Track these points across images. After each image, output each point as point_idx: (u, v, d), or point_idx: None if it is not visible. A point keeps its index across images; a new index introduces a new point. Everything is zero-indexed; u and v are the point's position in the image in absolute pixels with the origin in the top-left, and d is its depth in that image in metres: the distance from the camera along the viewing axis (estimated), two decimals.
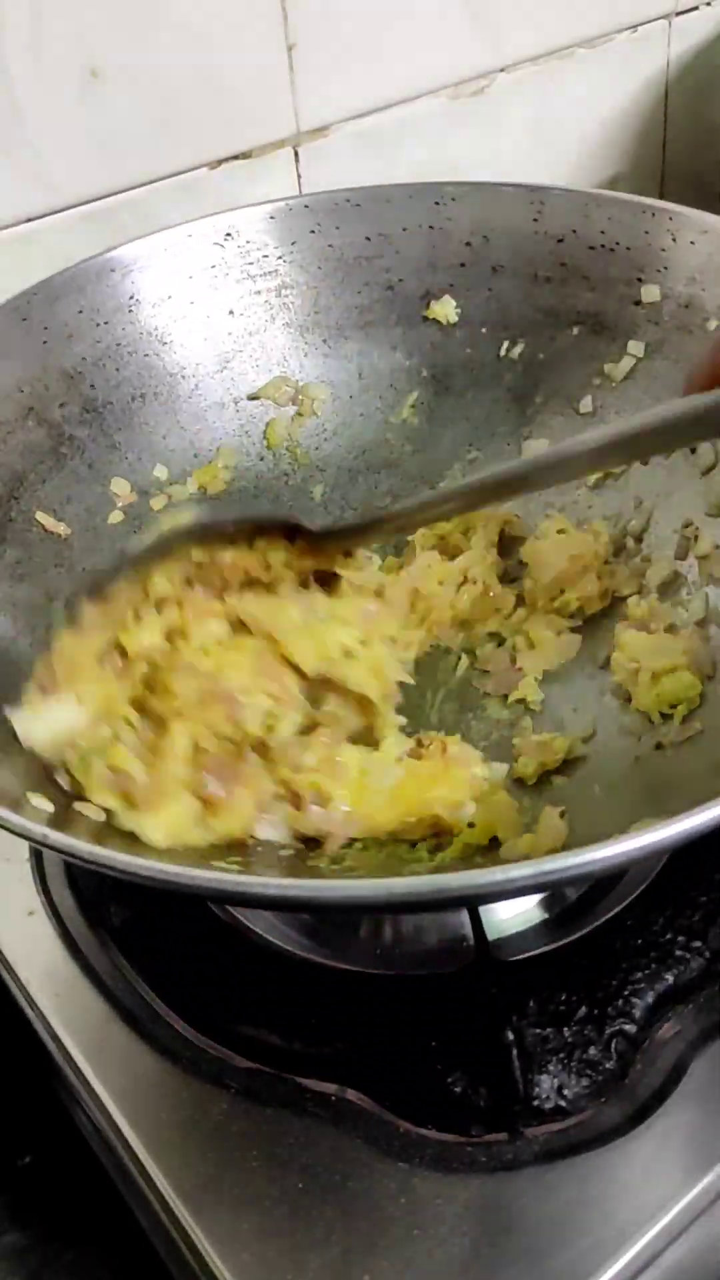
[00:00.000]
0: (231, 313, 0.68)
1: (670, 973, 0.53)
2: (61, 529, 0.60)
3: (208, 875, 0.38)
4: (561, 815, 0.50)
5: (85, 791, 0.47)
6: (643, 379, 0.64)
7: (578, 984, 0.53)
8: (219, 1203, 0.46)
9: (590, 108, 0.93)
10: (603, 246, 0.65)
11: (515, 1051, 0.51)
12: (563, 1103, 0.49)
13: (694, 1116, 0.48)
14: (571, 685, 0.59)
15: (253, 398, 0.68)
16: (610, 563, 0.61)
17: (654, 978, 0.53)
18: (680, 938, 0.54)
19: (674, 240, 0.62)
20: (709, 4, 0.95)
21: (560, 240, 0.66)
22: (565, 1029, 0.51)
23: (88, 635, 0.51)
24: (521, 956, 0.54)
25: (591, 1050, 0.51)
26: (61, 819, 0.44)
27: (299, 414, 0.69)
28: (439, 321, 0.69)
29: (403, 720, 0.57)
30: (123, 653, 0.51)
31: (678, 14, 0.93)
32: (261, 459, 0.69)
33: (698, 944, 0.54)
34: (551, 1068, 0.50)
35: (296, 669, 0.53)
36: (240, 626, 0.54)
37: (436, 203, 0.68)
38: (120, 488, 0.63)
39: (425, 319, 0.69)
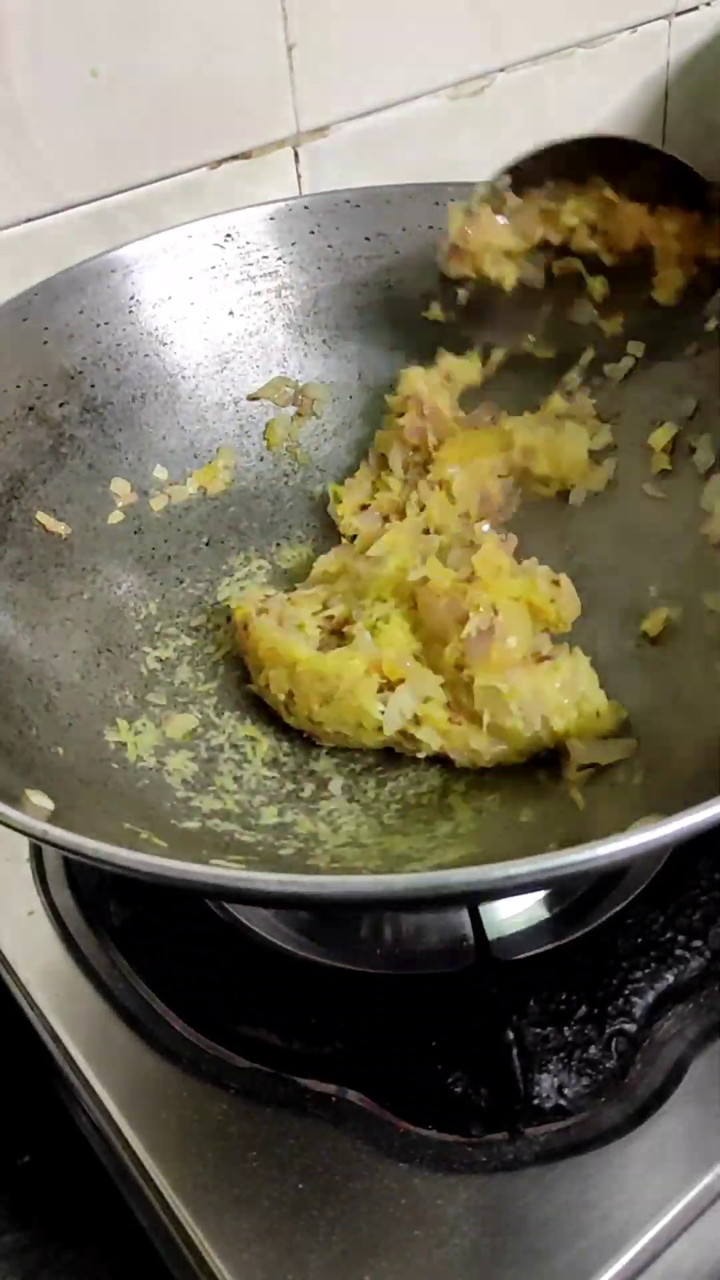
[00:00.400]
0: (231, 313, 0.68)
1: (670, 972, 0.53)
2: (62, 529, 0.60)
3: (208, 871, 0.38)
4: None
5: None
6: (642, 379, 0.64)
7: (578, 983, 0.53)
8: (219, 1203, 0.46)
9: (590, 108, 0.93)
10: None
11: (515, 1051, 0.51)
12: (563, 1102, 0.49)
13: (694, 1116, 0.48)
14: None
15: (252, 398, 0.68)
16: None
17: (654, 977, 0.53)
18: (680, 937, 0.54)
19: None
20: (709, 4, 0.95)
21: None
22: (565, 1028, 0.51)
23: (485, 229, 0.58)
24: (522, 956, 0.54)
25: (591, 1050, 0.51)
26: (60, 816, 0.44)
27: (299, 414, 0.69)
28: (439, 322, 0.69)
29: None
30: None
31: (678, 14, 0.93)
32: (261, 459, 0.69)
33: (698, 943, 0.54)
34: (552, 1067, 0.50)
35: None
36: None
37: (436, 203, 0.68)
38: (120, 488, 0.63)
39: (425, 319, 0.69)
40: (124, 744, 0.55)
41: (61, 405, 0.62)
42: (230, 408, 0.68)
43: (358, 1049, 0.51)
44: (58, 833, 0.39)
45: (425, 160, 0.83)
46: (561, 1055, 0.50)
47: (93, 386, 0.63)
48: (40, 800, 0.44)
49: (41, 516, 0.59)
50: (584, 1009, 0.52)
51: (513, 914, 0.56)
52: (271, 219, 0.68)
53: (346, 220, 0.69)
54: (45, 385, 0.61)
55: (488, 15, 0.81)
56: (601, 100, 0.93)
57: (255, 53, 0.72)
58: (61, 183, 0.69)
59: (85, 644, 0.58)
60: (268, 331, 0.69)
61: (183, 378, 0.67)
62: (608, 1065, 0.50)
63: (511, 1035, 0.51)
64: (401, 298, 0.69)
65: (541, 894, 0.56)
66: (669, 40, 0.94)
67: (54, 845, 0.39)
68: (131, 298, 0.65)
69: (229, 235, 0.67)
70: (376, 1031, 0.52)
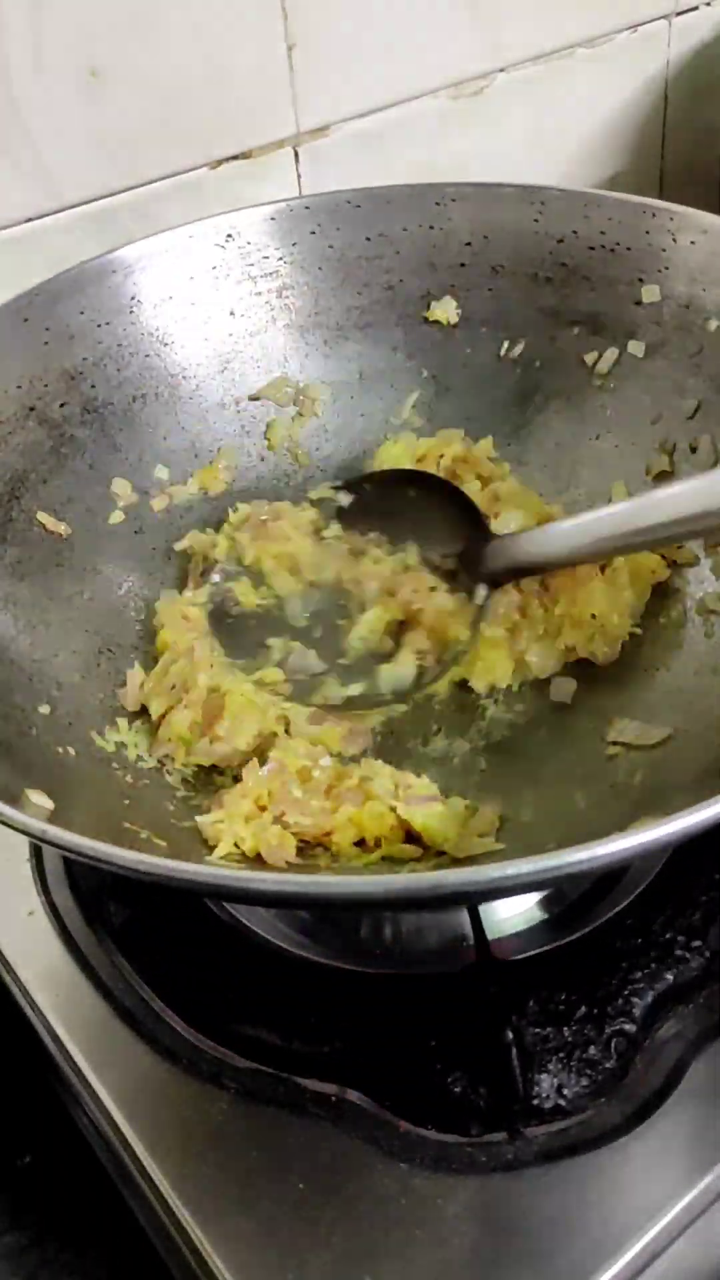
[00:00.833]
0: (232, 313, 0.68)
1: (670, 972, 0.53)
2: (62, 529, 0.60)
3: (207, 871, 0.38)
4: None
5: None
6: (643, 379, 0.64)
7: (578, 984, 0.53)
8: (219, 1203, 0.46)
9: (590, 108, 0.93)
10: (603, 247, 0.65)
11: (515, 1051, 0.50)
12: (562, 1102, 0.49)
13: (694, 1116, 0.48)
14: None
15: (253, 398, 0.68)
16: None
17: (654, 977, 0.53)
18: (680, 937, 0.54)
19: (674, 240, 0.62)
20: (709, 4, 0.95)
21: (561, 240, 0.66)
22: (565, 1029, 0.51)
23: None
24: (521, 956, 0.54)
25: (591, 1050, 0.51)
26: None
27: (300, 414, 0.69)
28: (440, 322, 0.69)
29: None
30: None
31: (678, 14, 0.93)
32: (262, 459, 0.69)
33: (698, 944, 0.54)
34: (551, 1067, 0.50)
35: None
36: None
37: (437, 203, 0.68)
38: (121, 488, 0.63)
39: (426, 319, 0.69)
40: (124, 744, 0.55)
41: (62, 405, 0.62)
42: (231, 408, 0.68)
43: (358, 1049, 0.51)
44: (57, 833, 0.39)
45: (425, 160, 0.83)
46: (561, 1055, 0.50)
47: (93, 387, 0.63)
48: (40, 800, 0.44)
49: (42, 516, 0.59)
50: (584, 1009, 0.52)
51: (513, 914, 0.56)
52: (272, 219, 0.68)
53: (347, 220, 0.69)
54: (46, 385, 0.61)
55: (488, 15, 0.81)
56: (601, 100, 0.93)
57: (255, 53, 0.72)
58: (61, 183, 0.69)
59: (85, 644, 0.58)
60: (269, 332, 0.69)
61: (184, 378, 0.67)
62: (607, 1065, 0.50)
63: (511, 1035, 0.51)
64: (402, 298, 0.69)
65: (541, 894, 0.56)
66: (669, 40, 0.94)
67: (54, 845, 0.39)
68: (132, 298, 0.65)
69: (230, 235, 0.67)
70: (376, 1031, 0.52)
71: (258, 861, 0.50)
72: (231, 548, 0.63)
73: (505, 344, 0.68)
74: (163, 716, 0.56)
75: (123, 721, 0.56)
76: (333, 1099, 0.49)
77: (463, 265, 0.68)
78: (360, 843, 0.51)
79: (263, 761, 0.53)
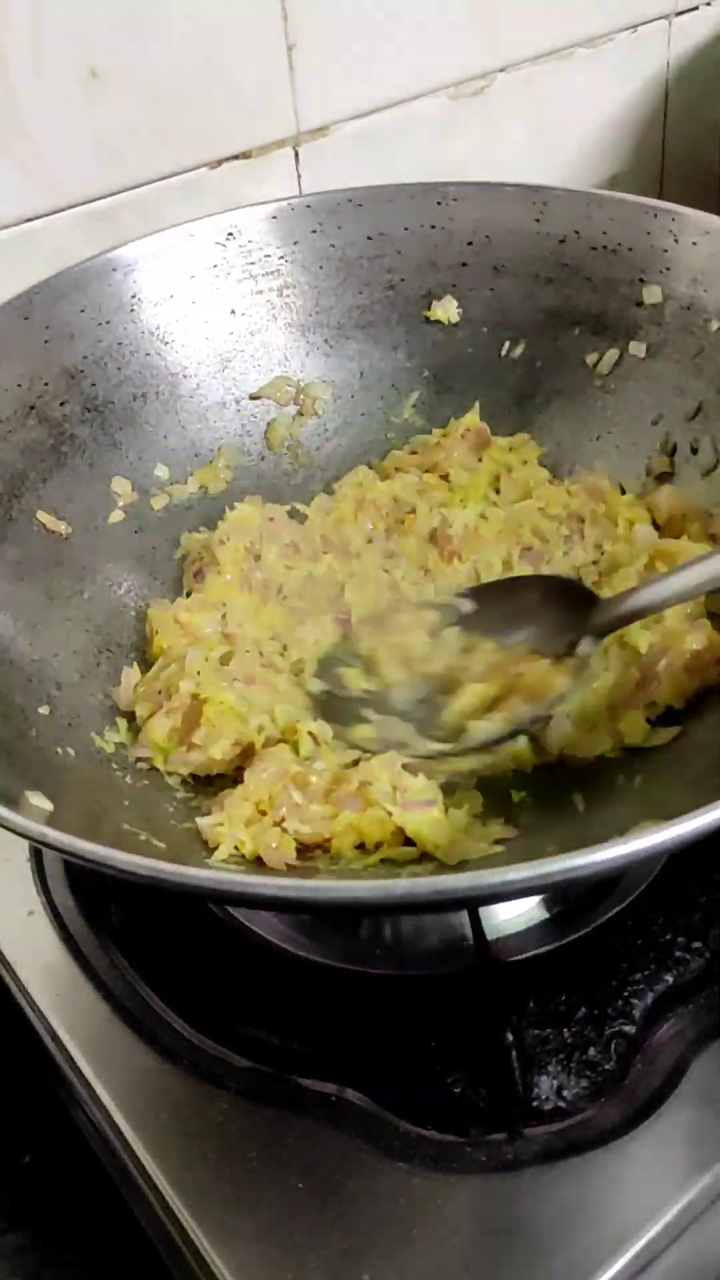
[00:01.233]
0: (233, 312, 0.68)
1: (670, 973, 0.53)
2: (62, 528, 0.60)
3: (207, 875, 0.38)
4: None
5: None
6: (644, 380, 0.64)
7: (578, 984, 0.53)
8: (219, 1203, 0.46)
9: (590, 108, 0.93)
10: (604, 247, 0.65)
11: (515, 1052, 0.51)
12: (562, 1103, 0.49)
13: (694, 1116, 0.48)
14: None
15: (254, 397, 0.68)
16: None
17: (654, 978, 0.53)
18: (680, 938, 0.54)
19: (676, 241, 0.62)
20: (709, 4, 0.95)
21: (562, 241, 0.66)
22: (565, 1029, 0.51)
23: None
24: (521, 957, 0.54)
25: (591, 1051, 0.51)
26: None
27: (300, 414, 0.69)
28: (441, 321, 0.69)
29: None
30: None
31: (678, 14, 0.93)
32: (263, 459, 0.69)
33: (698, 944, 0.54)
34: (551, 1068, 0.50)
35: None
36: None
37: (438, 203, 0.68)
38: (121, 487, 0.63)
39: (427, 319, 0.69)
40: (124, 745, 0.55)
41: (62, 404, 0.61)
42: (231, 407, 0.68)
43: (358, 1049, 0.52)
44: (56, 835, 0.39)
45: (425, 160, 0.83)
46: (561, 1056, 0.50)
47: (94, 385, 0.63)
48: (39, 802, 0.44)
49: (42, 516, 0.59)
50: (583, 1010, 0.52)
51: (512, 915, 0.56)
52: (274, 218, 0.68)
53: (348, 219, 0.68)
54: (46, 384, 0.61)
55: (488, 15, 0.81)
56: (601, 100, 0.93)
57: (255, 53, 0.72)
58: (62, 182, 0.69)
59: (85, 644, 0.58)
60: (269, 330, 0.69)
61: (184, 377, 0.67)
62: (607, 1066, 0.50)
63: (511, 1036, 0.51)
64: (403, 297, 0.69)
65: (541, 895, 0.56)
66: (669, 40, 0.94)
67: (52, 848, 0.39)
68: (133, 296, 0.65)
69: (231, 234, 0.67)
70: (376, 1031, 0.52)
71: (257, 864, 0.50)
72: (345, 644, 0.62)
73: (506, 344, 0.68)
74: (147, 720, 0.56)
75: (122, 722, 0.56)
76: (332, 1099, 0.50)
77: (464, 265, 0.68)
78: (360, 845, 0.51)
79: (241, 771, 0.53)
